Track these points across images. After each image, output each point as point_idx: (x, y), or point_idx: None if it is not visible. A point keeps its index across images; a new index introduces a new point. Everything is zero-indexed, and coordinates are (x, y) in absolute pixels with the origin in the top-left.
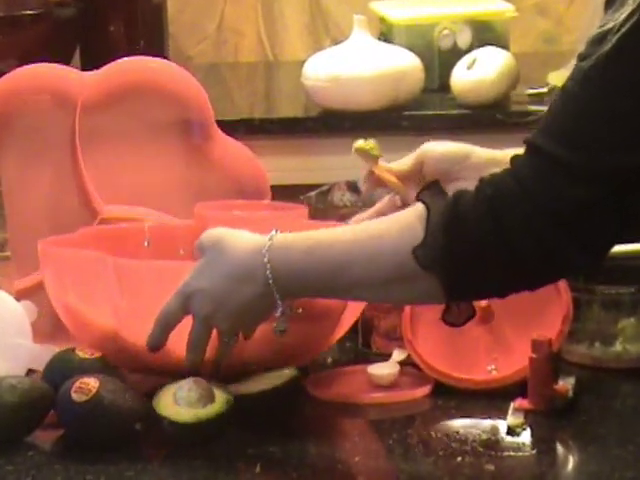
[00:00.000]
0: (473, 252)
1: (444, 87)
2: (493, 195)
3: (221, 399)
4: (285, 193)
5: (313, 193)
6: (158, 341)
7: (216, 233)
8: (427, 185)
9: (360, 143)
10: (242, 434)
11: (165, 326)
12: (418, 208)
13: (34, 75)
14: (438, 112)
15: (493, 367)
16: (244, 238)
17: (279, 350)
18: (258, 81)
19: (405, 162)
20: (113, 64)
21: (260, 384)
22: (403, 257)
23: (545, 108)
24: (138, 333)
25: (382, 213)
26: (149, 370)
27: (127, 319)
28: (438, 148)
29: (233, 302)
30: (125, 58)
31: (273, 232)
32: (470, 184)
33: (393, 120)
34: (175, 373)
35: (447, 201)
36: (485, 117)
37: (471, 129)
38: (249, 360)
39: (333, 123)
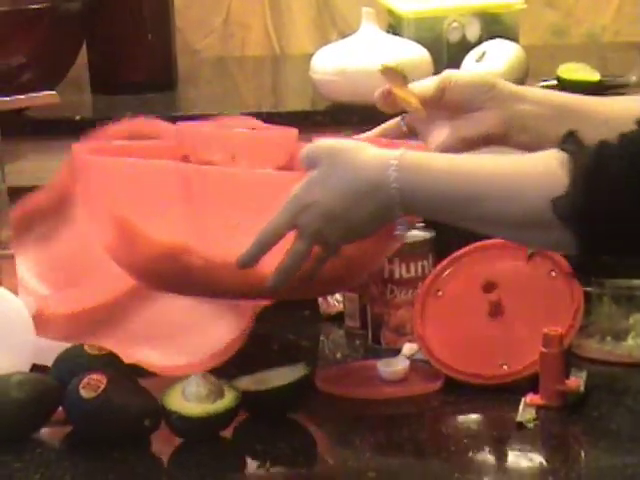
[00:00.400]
0: (615, 208)
1: None
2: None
3: (230, 395)
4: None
5: None
6: (253, 258)
7: (332, 144)
8: (567, 134)
9: (388, 63)
10: (251, 430)
11: (266, 242)
12: (557, 155)
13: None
14: None
15: (504, 362)
16: (368, 152)
17: (347, 265)
18: (265, 75)
19: (428, 86)
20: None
21: (272, 381)
22: (541, 203)
23: None
24: (210, 247)
25: (386, 135)
26: (213, 293)
27: (197, 233)
28: (465, 76)
29: (349, 217)
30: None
31: (402, 150)
32: (492, 114)
33: (400, 114)
34: (247, 295)
35: (589, 152)
36: None
37: None
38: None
39: (341, 116)
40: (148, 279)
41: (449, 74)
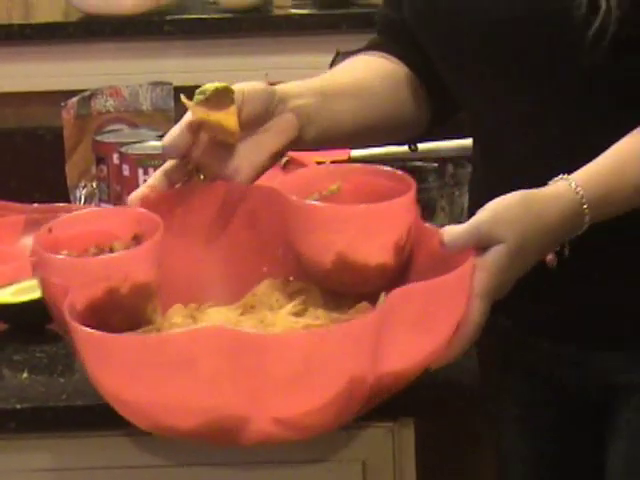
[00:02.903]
0: None
1: None
2: None
3: None
4: (47, 99)
5: (75, 99)
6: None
7: (508, 217)
8: None
9: (218, 84)
10: (9, 340)
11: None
12: None
13: None
14: (200, 16)
15: None
16: (547, 212)
17: None
18: None
19: (254, 106)
20: None
21: (33, 293)
22: None
23: (307, 12)
24: None
25: (171, 180)
26: None
27: None
28: (247, 88)
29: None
30: None
31: (579, 194)
32: (283, 120)
33: (155, 25)
34: None
35: None
36: (247, 21)
37: (234, 33)
38: None
39: (94, 28)
40: None
41: (239, 88)
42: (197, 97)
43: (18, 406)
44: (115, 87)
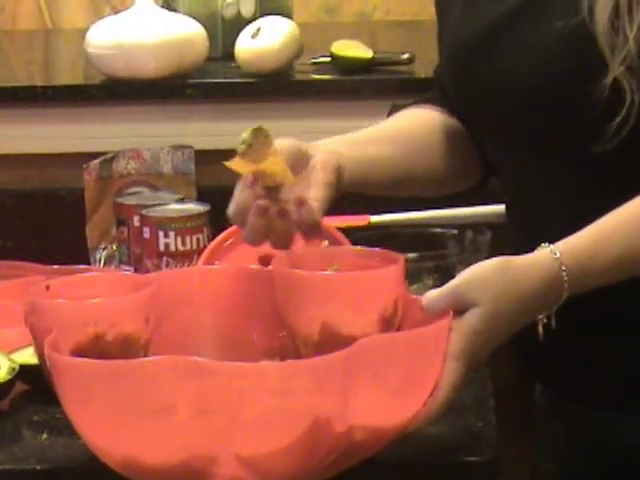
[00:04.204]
0: None
1: (228, 56)
2: None
3: (6, 367)
4: (69, 161)
5: (97, 161)
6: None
7: (482, 281)
8: None
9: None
10: (28, 402)
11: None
12: None
13: None
14: (222, 80)
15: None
16: (525, 276)
17: None
18: (37, 49)
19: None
20: None
21: None
22: None
23: (328, 77)
24: None
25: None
26: None
27: None
28: (282, 141)
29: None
30: None
31: (557, 257)
32: (320, 173)
33: (177, 88)
34: None
35: None
36: (269, 85)
37: (255, 97)
38: None
39: (117, 91)
40: None
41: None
42: (240, 147)
43: (38, 467)
44: (137, 150)
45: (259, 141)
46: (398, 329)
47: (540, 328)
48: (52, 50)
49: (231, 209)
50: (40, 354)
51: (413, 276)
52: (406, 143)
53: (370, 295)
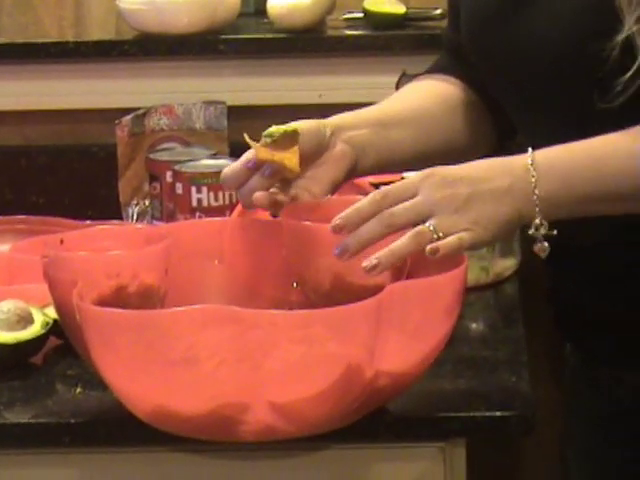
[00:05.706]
0: None
1: (260, 12)
2: None
3: (40, 321)
4: (101, 117)
5: (129, 117)
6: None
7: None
8: None
9: (279, 128)
10: (62, 356)
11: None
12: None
13: None
14: (254, 35)
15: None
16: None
17: None
18: (68, 5)
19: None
20: None
21: None
22: None
23: (361, 33)
24: None
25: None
26: None
27: None
28: (302, 126)
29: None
30: None
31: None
32: (338, 151)
33: (210, 44)
34: None
35: None
36: (301, 41)
37: (287, 53)
38: None
39: (149, 46)
40: None
41: (296, 127)
42: (264, 139)
43: (72, 420)
44: (169, 105)
45: (285, 141)
46: (408, 278)
47: (536, 248)
48: (84, 5)
49: (224, 174)
50: (60, 306)
51: None
52: (427, 125)
53: (381, 243)
